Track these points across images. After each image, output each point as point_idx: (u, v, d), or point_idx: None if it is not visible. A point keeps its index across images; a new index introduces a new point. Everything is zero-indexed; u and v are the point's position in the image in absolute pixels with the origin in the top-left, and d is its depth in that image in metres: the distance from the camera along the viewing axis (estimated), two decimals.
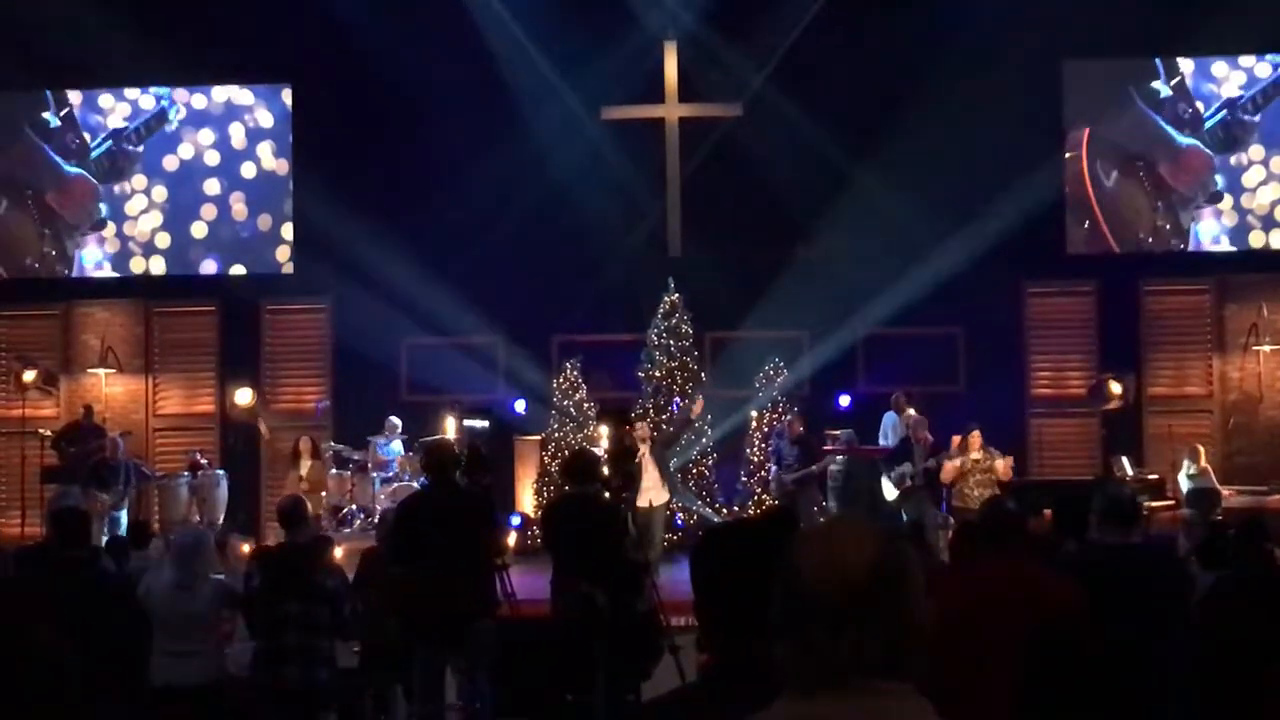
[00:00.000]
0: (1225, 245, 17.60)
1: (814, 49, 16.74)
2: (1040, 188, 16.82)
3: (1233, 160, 17.60)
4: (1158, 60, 17.62)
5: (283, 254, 18.09)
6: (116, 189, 18.13)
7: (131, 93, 18.19)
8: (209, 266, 18.15)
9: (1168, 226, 17.61)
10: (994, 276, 16.51)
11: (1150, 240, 17.66)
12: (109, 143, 18.18)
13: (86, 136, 18.17)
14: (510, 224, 16.53)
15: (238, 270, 18.15)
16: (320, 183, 17.06)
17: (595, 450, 12.00)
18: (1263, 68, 17.71)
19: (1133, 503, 6.10)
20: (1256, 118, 17.58)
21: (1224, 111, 17.62)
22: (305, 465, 15.91)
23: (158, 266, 18.14)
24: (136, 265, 18.13)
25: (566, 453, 14.09)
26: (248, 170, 18.18)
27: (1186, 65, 17.66)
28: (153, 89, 18.12)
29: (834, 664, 2.04)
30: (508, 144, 16.53)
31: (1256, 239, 17.56)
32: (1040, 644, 4.78)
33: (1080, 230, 17.64)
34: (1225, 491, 15.08)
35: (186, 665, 7.28)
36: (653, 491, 12.60)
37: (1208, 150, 17.60)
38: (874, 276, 16.58)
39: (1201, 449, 15.53)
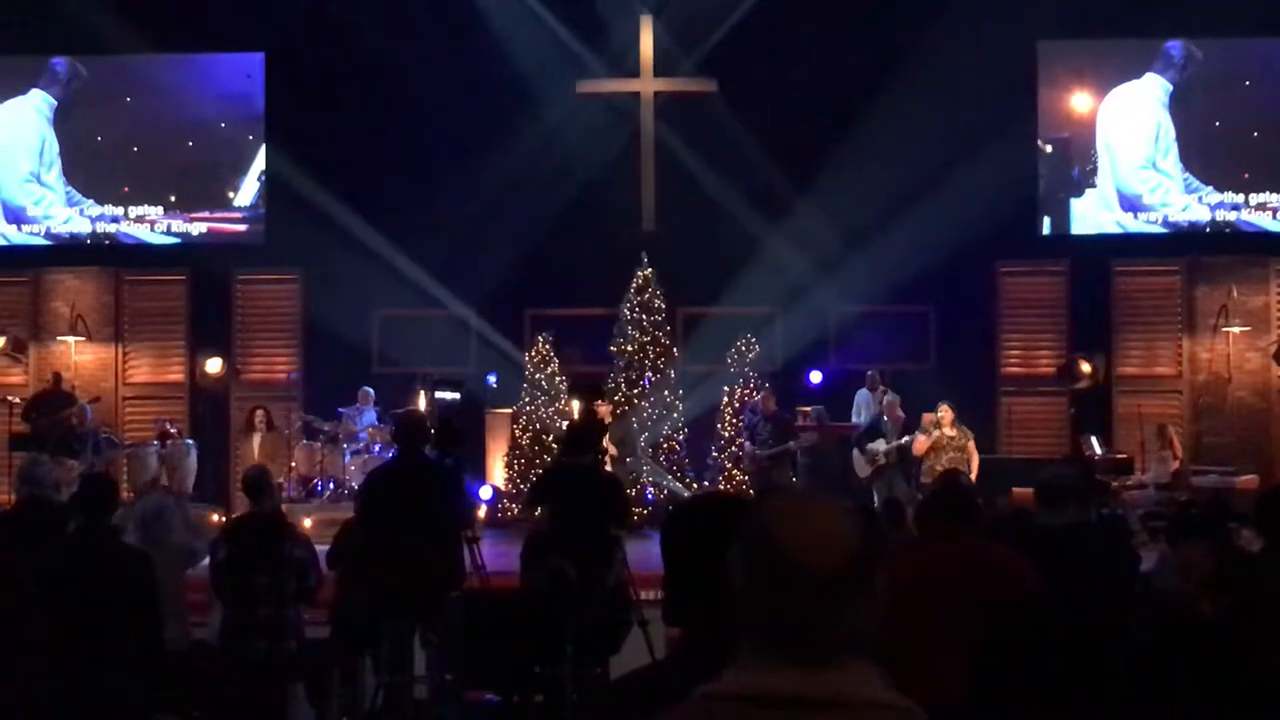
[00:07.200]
0: (1196, 213, 17.61)
1: (790, 26, 16.76)
2: (1014, 168, 16.83)
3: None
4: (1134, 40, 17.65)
5: (255, 218, 17.96)
6: (85, 148, 17.93)
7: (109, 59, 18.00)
8: (180, 227, 17.98)
9: None
10: (966, 256, 16.55)
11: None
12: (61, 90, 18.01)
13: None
14: (484, 196, 16.50)
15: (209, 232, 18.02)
16: (292, 151, 17.02)
17: (599, 421, 11.95)
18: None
19: (1062, 485, 6.08)
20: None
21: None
22: (258, 437, 15.92)
23: (129, 227, 17.96)
24: (107, 226, 17.96)
25: (566, 424, 13.88)
26: (221, 132, 18.01)
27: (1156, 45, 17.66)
28: (125, 56, 17.93)
29: (830, 642, 2.02)
30: (482, 116, 16.50)
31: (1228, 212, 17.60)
32: (995, 622, 4.78)
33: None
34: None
35: None
36: None
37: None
38: (847, 254, 16.61)
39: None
